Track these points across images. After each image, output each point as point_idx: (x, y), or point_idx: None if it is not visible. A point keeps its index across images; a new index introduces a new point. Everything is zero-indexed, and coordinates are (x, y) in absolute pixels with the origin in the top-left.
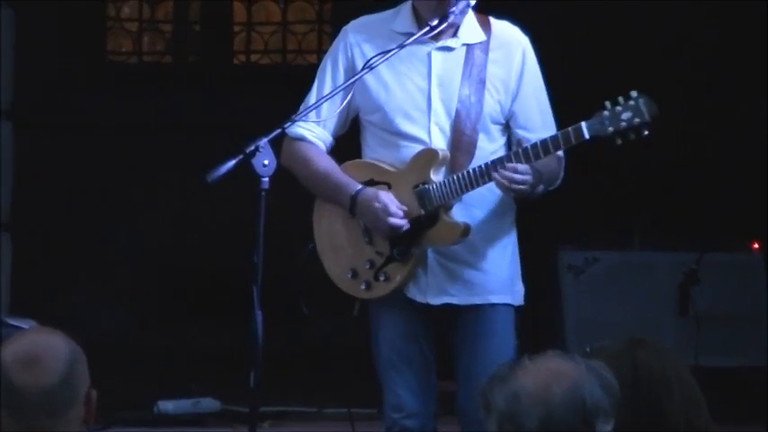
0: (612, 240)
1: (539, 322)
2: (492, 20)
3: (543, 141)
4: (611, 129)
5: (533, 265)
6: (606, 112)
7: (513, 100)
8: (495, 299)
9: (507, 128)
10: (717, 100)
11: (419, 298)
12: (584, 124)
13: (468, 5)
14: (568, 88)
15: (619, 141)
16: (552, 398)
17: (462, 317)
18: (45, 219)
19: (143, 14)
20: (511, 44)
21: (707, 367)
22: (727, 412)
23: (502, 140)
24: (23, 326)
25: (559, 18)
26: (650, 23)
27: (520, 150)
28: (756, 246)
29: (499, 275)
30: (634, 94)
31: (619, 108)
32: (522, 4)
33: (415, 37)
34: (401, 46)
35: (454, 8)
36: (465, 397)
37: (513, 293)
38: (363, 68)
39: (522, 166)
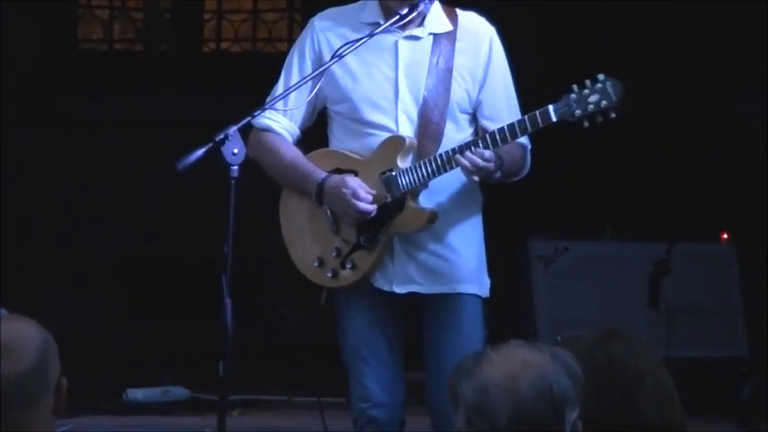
0: (583, 230)
1: (509, 313)
2: (459, 11)
3: (510, 125)
4: (578, 112)
5: (504, 255)
6: (573, 95)
7: (480, 89)
8: (462, 288)
9: (474, 118)
10: (688, 93)
11: (386, 287)
12: (551, 107)
13: None
14: (542, 76)
15: (586, 124)
16: (520, 389)
17: (429, 306)
18: (20, 212)
19: (114, 2)
20: (477, 34)
21: (677, 358)
22: (697, 403)
23: (469, 130)
24: None
25: (535, 8)
26: (623, 17)
27: (487, 135)
28: (726, 236)
29: (466, 265)
30: (601, 77)
31: (586, 91)
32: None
33: (385, 25)
34: (371, 35)
35: None
36: (434, 388)
37: (481, 285)
38: (332, 58)
39: (488, 153)
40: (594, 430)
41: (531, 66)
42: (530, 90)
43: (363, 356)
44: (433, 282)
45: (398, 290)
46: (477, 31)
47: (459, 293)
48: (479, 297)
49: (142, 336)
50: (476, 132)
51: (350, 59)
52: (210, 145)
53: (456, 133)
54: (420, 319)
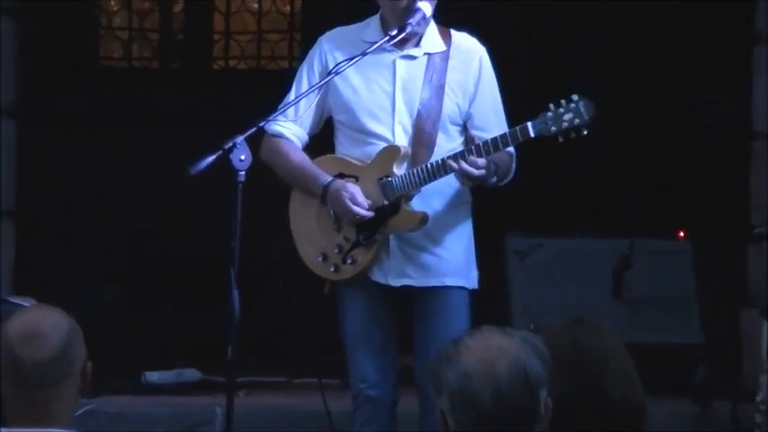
0: (555, 228)
1: (488, 302)
2: (452, 31)
3: (494, 139)
4: (554, 128)
5: (483, 250)
6: (550, 113)
7: (471, 103)
8: (449, 281)
9: (465, 129)
10: (653, 97)
11: (382, 280)
12: (529, 124)
13: (423, 17)
14: (542, 76)
15: (561, 139)
16: (499, 374)
17: (420, 298)
18: (44, 207)
19: (132, 24)
20: (469, 53)
21: (638, 343)
22: (656, 384)
23: (459, 140)
24: (24, 303)
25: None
26: (593, 25)
27: (473, 147)
28: (682, 234)
29: (454, 261)
30: (575, 97)
31: (561, 110)
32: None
33: (376, 45)
34: (363, 53)
35: (411, 20)
36: (422, 371)
37: (468, 278)
38: (329, 73)
39: (481, 160)
40: (565, 410)
41: (531, 65)
42: (529, 89)
43: (361, 341)
44: (425, 276)
45: (393, 283)
46: (470, 49)
47: (447, 286)
48: (466, 289)
49: (157, 324)
50: (465, 142)
51: (352, 74)
52: (220, 152)
53: (447, 143)
54: (412, 308)
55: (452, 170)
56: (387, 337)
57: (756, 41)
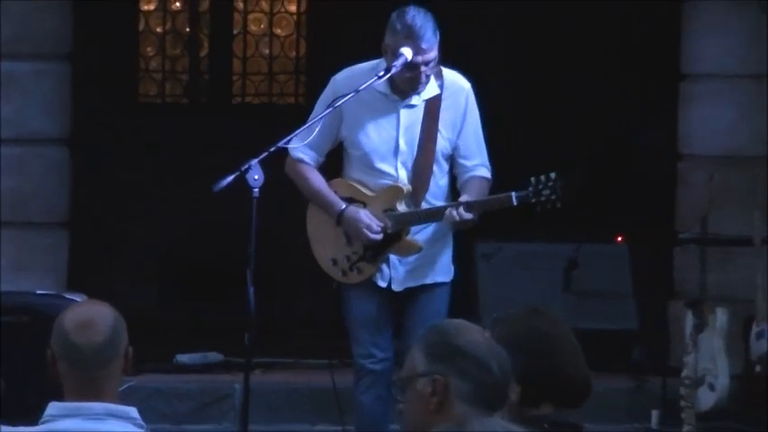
0: (516, 233)
1: (460, 296)
2: (444, 70)
3: (482, 201)
4: (533, 200)
5: (457, 253)
6: (531, 188)
7: (459, 135)
8: (438, 278)
9: (451, 157)
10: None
11: (381, 283)
12: (513, 194)
13: (405, 60)
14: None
15: (538, 209)
16: (498, 351)
17: (413, 292)
18: (94, 218)
19: (165, 67)
20: (458, 92)
21: (584, 330)
22: (598, 364)
23: (447, 167)
24: (77, 298)
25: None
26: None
27: (464, 203)
28: (620, 238)
29: (441, 261)
30: (553, 176)
31: (540, 186)
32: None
33: (367, 84)
34: (356, 90)
35: (396, 62)
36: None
37: (449, 273)
38: (329, 106)
39: (468, 216)
40: (523, 388)
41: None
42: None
43: (364, 325)
44: (421, 277)
45: (396, 289)
46: (459, 89)
47: (436, 282)
48: (448, 282)
49: (187, 315)
50: (452, 167)
51: (365, 118)
52: (238, 173)
53: (439, 174)
54: (403, 300)
55: (446, 219)
56: (385, 320)
57: (681, 79)
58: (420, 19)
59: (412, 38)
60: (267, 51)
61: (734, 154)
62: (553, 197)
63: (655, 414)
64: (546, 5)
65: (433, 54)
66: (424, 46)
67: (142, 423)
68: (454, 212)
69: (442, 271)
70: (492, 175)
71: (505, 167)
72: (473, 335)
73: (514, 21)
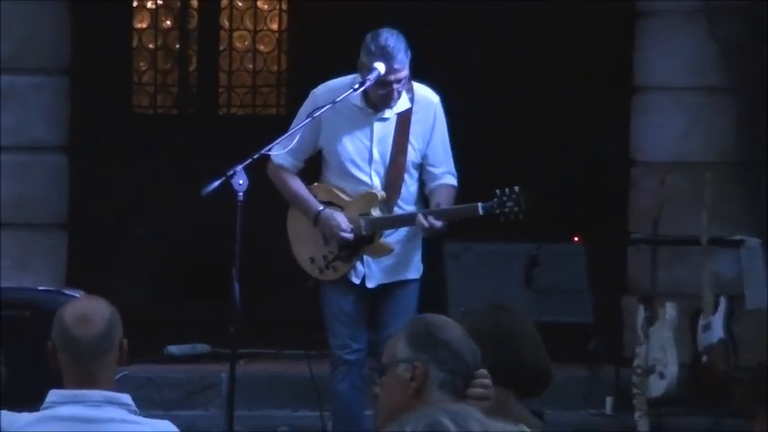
0: (481, 234)
1: (430, 293)
2: (415, 85)
3: (451, 209)
4: (497, 211)
5: (427, 253)
6: (496, 199)
7: (427, 145)
8: (408, 276)
9: (421, 165)
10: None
11: (355, 280)
12: (480, 205)
13: (378, 75)
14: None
15: (502, 219)
16: (472, 343)
17: (386, 288)
18: (91, 220)
19: (157, 80)
20: (428, 105)
21: (545, 323)
22: (558, 354)
23: (417, 174)
24: (75, 294)
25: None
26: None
27: (434, 211)
28: (577, 239)
29: (411, 260)
30: (517, 189)
31: (505, 198)
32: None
33: (342, 96)
34: (333, 102)
35: (369, 76)
36: (383, 340)
37: (418, 270)
38: (308, 116)
39: (439, 224)
40: (493, 377)
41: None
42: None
43: (339, 318)
44: (393, 274)
45: (369, 285)
46: (428, 102)
47: (407, 279)
48: (418, 279)
49: (176, 309)
50: (421, 175)
51: (341, 130)
52: (224, 178)
53: (410, 181)
54: (376, 296)
55: (417, 225)
56: (359, 314)
57: (634, 92)
58: (393, 40)
59: (385, 58)
60: (251, 66)
61: (683, 160)
62: (516, 209)
63: (609, 401)
64: (507, 28)
65: (404, 73)
66: (396, 66)
67: (135, 409)
68: (423, 220)
69: (413, 269)
70: (458, 181)
71: (471, 178)
72: (455, 330)
73: (486, 38)
